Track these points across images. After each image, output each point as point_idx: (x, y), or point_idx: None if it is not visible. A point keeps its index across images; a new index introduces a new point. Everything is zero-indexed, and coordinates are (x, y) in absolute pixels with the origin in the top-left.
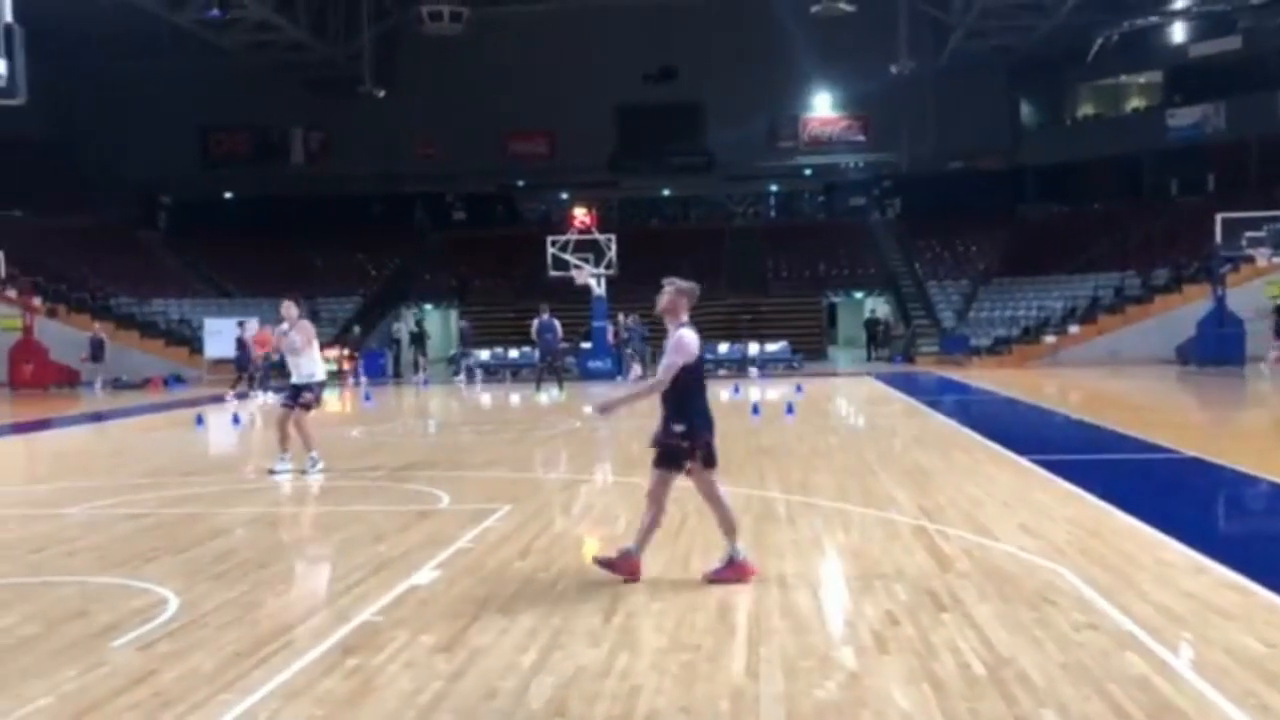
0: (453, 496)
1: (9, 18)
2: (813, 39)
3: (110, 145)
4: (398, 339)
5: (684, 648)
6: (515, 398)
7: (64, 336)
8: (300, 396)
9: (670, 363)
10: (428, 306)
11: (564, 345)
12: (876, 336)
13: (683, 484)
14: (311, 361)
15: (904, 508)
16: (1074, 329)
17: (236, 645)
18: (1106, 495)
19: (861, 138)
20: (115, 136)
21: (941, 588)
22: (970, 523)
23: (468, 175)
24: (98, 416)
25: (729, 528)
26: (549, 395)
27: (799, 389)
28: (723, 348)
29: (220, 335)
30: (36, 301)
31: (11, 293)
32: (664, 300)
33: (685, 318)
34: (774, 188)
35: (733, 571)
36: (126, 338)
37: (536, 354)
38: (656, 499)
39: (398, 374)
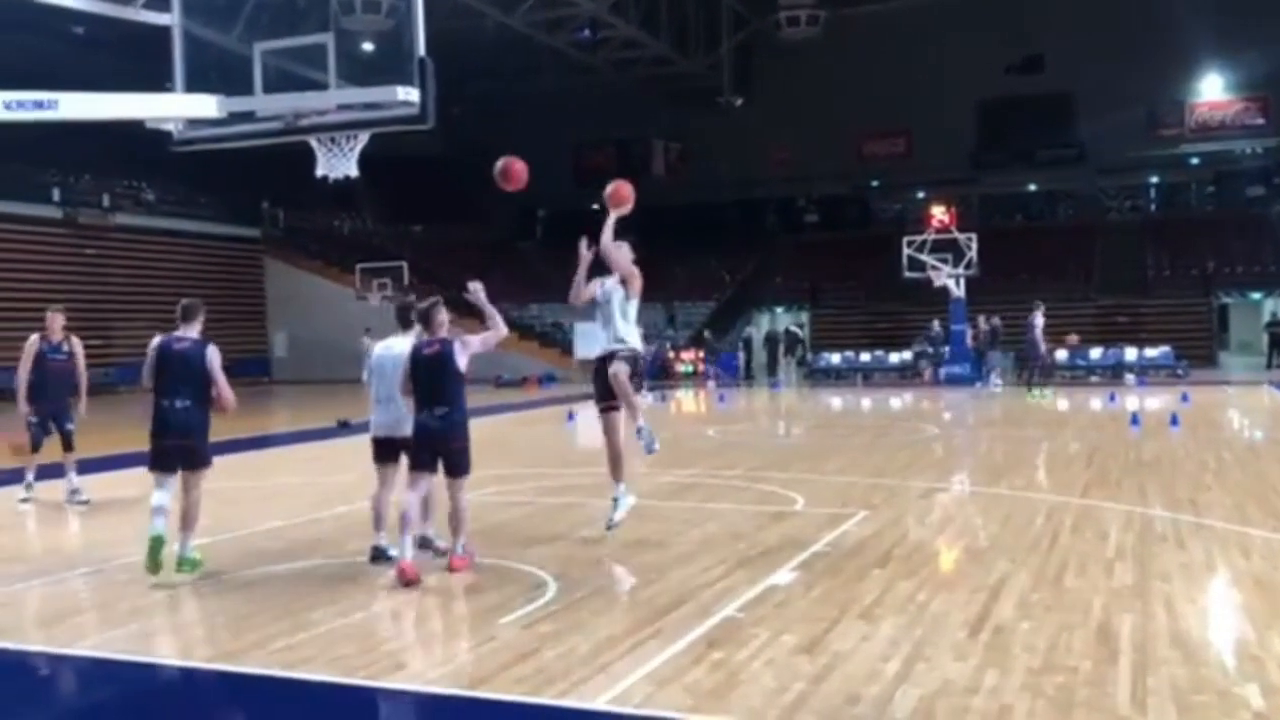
0: (807, 499)
1: (422, 51)
2: (1200, 18)
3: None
4: (762, 342)
5: (1059, 669)
6: (867, 401)
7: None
8: None
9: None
10: (779, 310)
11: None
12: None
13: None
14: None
15: None
16: None
17: (609, 630)
18: None
19: (1261, 121)
20: (499, 155)
21: None
22: None
23: (821, 178)
24: (482, 411)
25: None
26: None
27: (1185, 398)
28: (1095, 353)
29: (588, 337)
30: None
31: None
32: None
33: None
34: (1154, 179)
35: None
36: (506, 340)
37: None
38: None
39: (749, 376)
